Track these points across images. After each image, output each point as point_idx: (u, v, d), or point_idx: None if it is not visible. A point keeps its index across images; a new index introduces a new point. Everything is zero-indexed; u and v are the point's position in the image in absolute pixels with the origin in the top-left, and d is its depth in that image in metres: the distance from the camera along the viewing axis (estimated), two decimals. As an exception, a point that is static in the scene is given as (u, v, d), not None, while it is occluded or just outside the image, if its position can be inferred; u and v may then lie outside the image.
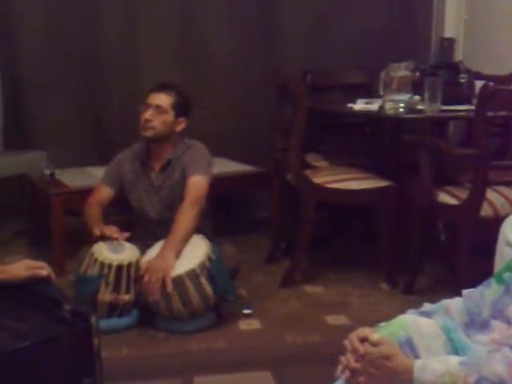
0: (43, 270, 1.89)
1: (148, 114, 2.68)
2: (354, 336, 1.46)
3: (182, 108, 2.73)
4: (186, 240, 2.57)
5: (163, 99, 2.70)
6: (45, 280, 1.89)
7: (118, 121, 3.81)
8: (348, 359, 1.44)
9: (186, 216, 2.60)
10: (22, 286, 1.86)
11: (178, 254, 2.52)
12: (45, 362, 1.56)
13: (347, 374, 1.43)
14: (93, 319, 1.65)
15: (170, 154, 2.75)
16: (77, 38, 3.74)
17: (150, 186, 2.77)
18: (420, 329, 1.46)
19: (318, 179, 2.93)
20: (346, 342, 1.46)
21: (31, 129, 3.84)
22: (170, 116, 2.71)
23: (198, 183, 2.67)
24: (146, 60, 3.79)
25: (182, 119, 2.74)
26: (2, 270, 1.87)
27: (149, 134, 2.70)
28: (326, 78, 3.58)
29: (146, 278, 2.47)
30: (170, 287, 2.45)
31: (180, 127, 2.74)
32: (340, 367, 1.45)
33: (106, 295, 2.50)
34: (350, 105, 3.06)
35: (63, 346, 1.62)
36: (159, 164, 2.77)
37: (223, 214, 2.84)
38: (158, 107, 2.69)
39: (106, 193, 2.81)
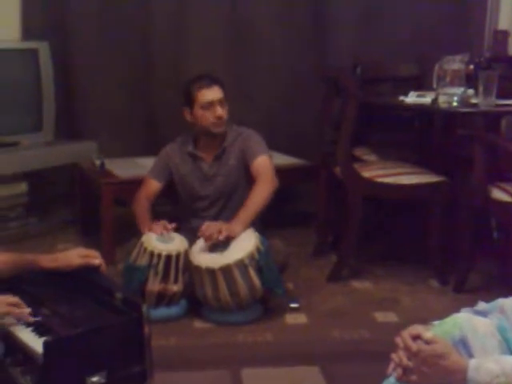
0: (96, 258, 1.91)
1: (219, 110, 2.68)
2: (406, 333, 1.44)
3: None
4: (255, 216, 2.58)
5: (219, 91, 2.71)
6: (96, 269, 1.92)
7: (167, 111, 3.84)
8: (400, 357, 1.42)
9: (260, 194, 2.61)
10: (75, 274, 1.89)
11: (245, 227, 2.53)
12: (96, 349, 1.58)
13: (399, 371, 1.42)
14: (144, 308, 1.66)
15: (224, 143, 2.75)
16: (128, 28, 3.79)
17: (203, 177, 2.79)
18: (475, 328, 1.43)
19: (366, 173, 2.89)
20: (398, 340, 1.44)
21: (82, 119, 3.90)
22: (227, 107, 2.73)
23: (265, 163, 2.69)
24: (195, 51, 3.80)
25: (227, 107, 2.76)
26: (55, 258, 1.90)
27: (222, 129, 2.73)
28: (376, 71, 3.52)
29: (206, 225, 2.50)
30: (223, 236, 2.46)
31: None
32: (391, 365, 1.44)
33: (154, 285, 2.52)
34: (401, 98, 3.01)
35: (114, 333, 1.63)
36: (212, 154, 2.77)
37: (269, 208, 2.83)
38: (221, 101, 2.69)
39: (153, 186, 2.83)
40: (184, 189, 2.83)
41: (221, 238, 2.47)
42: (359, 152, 3.25)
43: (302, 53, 3.79)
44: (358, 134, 2.95)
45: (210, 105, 2.69)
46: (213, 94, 2.69)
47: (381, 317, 2.63)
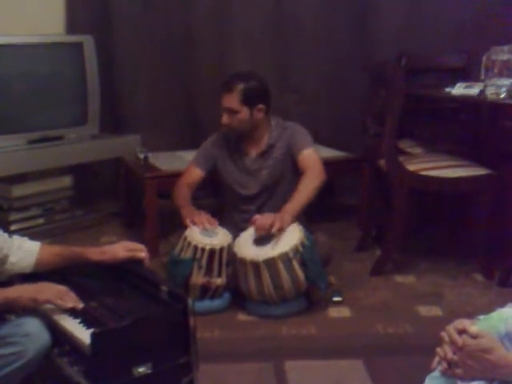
0: (141, 252, 1.94)
1: (224, 118, 2.69)
2: (452, 328, 1.43)
3: (254, 97, 2.68)
4: (302, 208, 2.58)
5: (230, 101, 2.67)
6: (140, 262, 1.94)
7: (210, 105, 3.84)
8: (445, 351, 1.41)
9: (308, 187, 2.61)
10: (121, 267, 1.91)
11: (294, 219, 2.53)
12: (143, 340, 1.60)
13: (444, 365, 1.41)
14: (189, 301, 1.68)
15: (269, 140, 2.75)
16: (171, 21, 3.81)
17: (245, 171, 2.79)
18: (521, 323, 1.41)
19: (412, 166, 2.85)
20: (444, 334, 1.44)
21: (126, 113, 3.94)
22: (243, 113, 2.68)
23: (312, 156, 2.69)
24: (237, 44, 3.80)
25: (259, 106, 2.70)
26: (102, 251, 1.93)
27: (233, 133, 2.74)
28: (421, 62, 3.47)
29: (259, 217, 2.51)
30: (276, 229, 2.45)
31: (260, 114, 2.71)
32: (436, 359, 1.43)
33: (198, 278, 2.54)
34: (447, 89, 2.95)
35: (161, 325, 1.65)
36: (256, 150, 2.78)
37: (313, 201, 2.82)
38: (229, 110, 2.68)
39: (196, 174, 2.84)
40: (226, 180, 2.84)
41: (274, 230, 2.46)
42: (404, 144, 3.20)
43: (346, 44, 3.75)
44: (402, 126, 2.90)
45: (223, 110, 2.70)
46: (225, 101, 2.69)
47: (424, 311, 2.60)
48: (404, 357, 2.23)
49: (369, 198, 3.32)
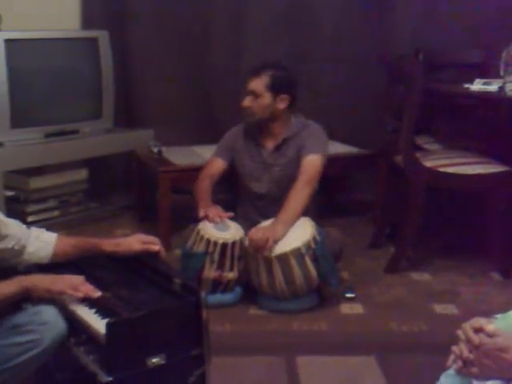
0: (155, 245, 1.95)
1: (245, 101, 2.69)
2: (468, 326, 1.41)
3: (280, 85, 2.68)
4: (296, 218, 2.56)
5: (256, 83, 2.68)
6: (155, 254, 1.94)
7: (225, 100, 3.84)
8: (461, 349, 1.39)
9: (300, 194, 2.59)
10: (135, 259, 1.92)
11: (286, 231, 2.51)
12: (156, 331, 1.61)
13: (459, 364, 1.39)
14: (202, 294, 1.68)
15: (285, 134, 2.74)
16: (186, 17, 3.80)
17: (261, 164, 2.78)
18: (539, 322, 1.39)
19: (429, 162, 2.82)
20: (460, 332, 1.42)
21: (140, 107, 3.95)
22: (266, 98, 2.68)
23: (313, 163, 2.66)
24: (252, 40, 3.78)
25: (283, 96, 2.69)
26: (117, 243, 1.94)
27: (250, 119, 2.73)
28: (439, 57, 3.43)
29: (253, 235, 2.48)
30: (269, 252, 2.44)
31: (283, 104, 2.70)
32: (452, 357, 1.41)
33: (210, 272, 2.54)
34: (466, 85, 2.92)
35: (174, 317, 1.66)
36: (273, 143, 2.77)
37: (327, 197, 2.81)
38: (253, 92, 2.68)
39: (218, 165, 2.84)
40: (243, 171, 2.83)
41: (268, 247, 2.45)
42: (421, 140, 3.18)
43: (363, 39, 3.72)
44: (419, 122, 2.88)
45: (245, 93, 2.70)
46: (250, 84, 2.69)
47: (440, 309, 2.58)
48: (418, 354, 2.22)
49: (384, 195, 3.30)
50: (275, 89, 2.67)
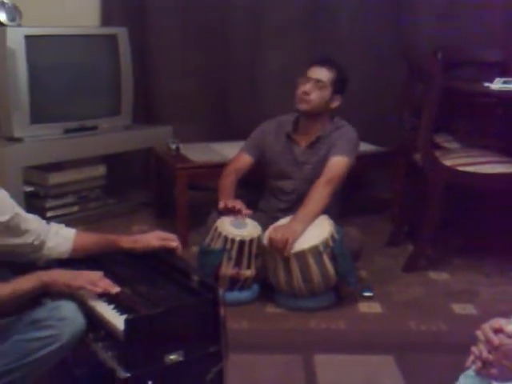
0: (173, 241, 1.96)
1: (307, 86, 2.67)
2: (487, 326, 1.40)
3: (340, 85, 2.71)
4: (314, 216, 2.55)
5: (324, 74, 2.68)
6: (172, 251, 1.95)
7: (242, 98, 3.84)
8: (480, 350, 1.38)
9: (320, 193, 2.59)
10: (153, 256, 1.92)
11: (304, 229, 2.51)
12: (175, 328, 1.61)
13: (478, 364, 1.38)
14: (220, 291, 1.68)
15: (319, 132, 2.73)
16: (205, 15, 3.80)
17: (293, 161, 2.78)
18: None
19: (448, 161, 2.80)
20: (479, 332, 1.41)
21: (158, 104, 3.96)
22: (327, 92, 2.69)
23: (338, 164, 2.65)
24: (271, 37, 3.77)
25: (338, 96, 2.72)
26: (135, 240, 1.95)
27: (304, 107, 2.69)
28: (458, 56, 3.40)
29: (272, 235, 2.47)
30: (289, 252, 2.43)
31: (335, 104, 2.72)
32: (471, 357, 1.40)
33: (228, 269, 2.54)
34: (486, 84, 2.89)
35: (192, 314, 1.66)
36: (306, 140, 2.76)
37: (345, 195, 2.80)
38: (318, 81, 2.67)
39: (245, 160, 2.84)
40: (272, 167, 2.82)
41: (288, 247, 2.43)
42: (440, 139, 3.15)
43: (382, 38, 3.69)
44: (438, 120, 2.86)
45: (306, 80, 2.68)
46: (316, 72, 2.68)
47: (459, 309, 2.56)
48: (437, 354, 2.20)
49: (402, 193, 3.28)
50: (336, 86, 2.69)
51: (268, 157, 2.82)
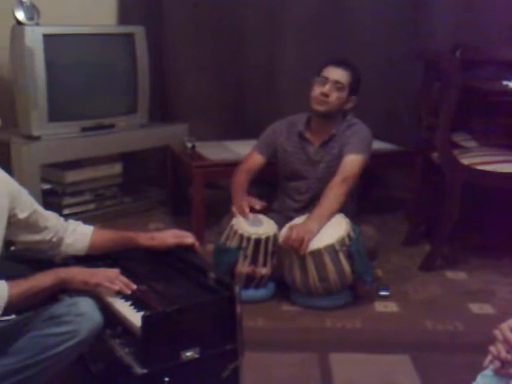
0: (189, 238, 1.97)
1: (327, 88, 2.65)
2: (505, 326, 1.40)
3: (356, 86, 2.71)
4: (330, 215, 2.55)
5: (343, 75, 2.67)
6: (190, 248, 1.95)
7: (258, 96, 3.84)
8: (498, 349, 1.38)
9: (336, 192, 2.58)
10: (169, 253, 1.93)
11: (320, 228, 2.50)
12: (191, 325, 1.62)
13: (497, 364, 1.38)
14: (236, 289, 1.68)
15: (333, 130, 2.73)
16: (221, 13, 3.80)
17: (306, 160, 2.77)
18: None
19: (466, 160, 2.79)
20: (497, 332, 1.41)
21: (174, 102, 3.97)
22: (345, 93, 2.68)
23: (353, 163, 2.64)
24: (288, 35, 3.77)
25: (353, 98, 2.71)
26: (152, 237, 1.96)
27: (322, 108, 2.68)
28: (476, 53, 3.37)
29: (288, 234, 2.47)
30: (305, 251, 2.43)
31: (350, 105, 2.72)
32: (489, 357, 1.40)
33: (243, 267, 2.54)
34: (505, 82, 2.87)
35: (209, 311, 1.67)
36: (319, 139, 2.75)
37: (361, 194, 2.79)
38: (336, 83, 2.66)
39: (257, 160, 2.84)
40: (285, 167, 2.82)
41: (304, 246, 2.43)
42: (458, 138, 3.12)
43: (399, 35, 3.67)
44: (456, 118, 2.83)
45: (324, 81, 2.66)
46: (333, 73, 2.67)
47: (476, 308, 2.54)
48: (454, 354, 2.19)
49: (419, 192, 3.26)
50: (352, 88, 2.69)
51: (280, 157, 2.82)
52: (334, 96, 2.65)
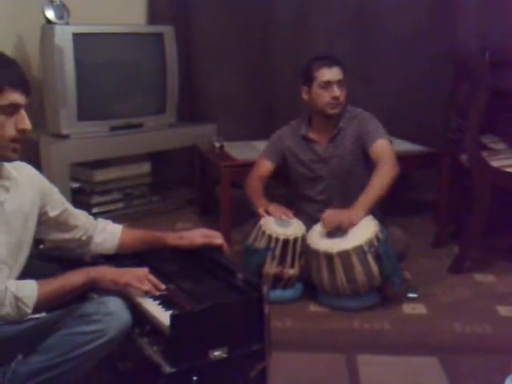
0: (217, 238, 1.97)
1: (337, 91, 2.65)
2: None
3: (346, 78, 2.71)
4: (375, 202, 2.54)
5: (338, 72, 2.68)
6: (218, 248, 1.96)
7: (286, 96, 3.83)
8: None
9: (384, 177, 2.57)
10: (198, 253, 1.94)
11: (366, 213, 2.50)
12: (219, 325, 1.62)
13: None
14: (264, 289, 1.68)
15: (340, 123, 2.72)
16: (250, 13, 3.81)
17: (317, 159, 2.77)
18: None
19: (495, 162, 2.75)
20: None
21: (203, 102, 3.99)
22: (345, 87, 2.69)
23: (385, 146, 2.64)
24: (314, 34, 3.76)
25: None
26: (180, 236, 1.97)
27: (337, 110, 2.69)
28: (506, 55, 3.33)
29: (326, 217, 2.49)
30: (344, 228, 2.45)
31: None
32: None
33: (271, 267, 2.54)
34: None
35: (237, 311, 1.67)
36: (326, 136, 2.75)
37: (388, 195, 2.77)
38: (339, 82, 2.66)
39: (266, 167, 2.85)
40: (297, 172, 2.82)
41: (342, 229, 2.45)
42: (487, 140, 3.09)
43: (427, 36, 3.64)
44: (485, 121, 2.80)
45: (327, 84, 2.66)
46: (332, 74, 2.66)
47: (504, 311, 2.51)
48: (482, 357, 2.17)
49: (447, 194, 3.23)
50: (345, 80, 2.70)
51: (290, 161, 2.82)
52: (343, 95, 2.67)
